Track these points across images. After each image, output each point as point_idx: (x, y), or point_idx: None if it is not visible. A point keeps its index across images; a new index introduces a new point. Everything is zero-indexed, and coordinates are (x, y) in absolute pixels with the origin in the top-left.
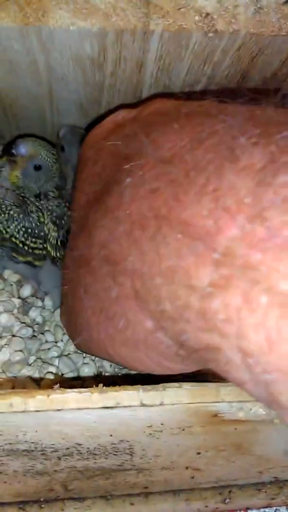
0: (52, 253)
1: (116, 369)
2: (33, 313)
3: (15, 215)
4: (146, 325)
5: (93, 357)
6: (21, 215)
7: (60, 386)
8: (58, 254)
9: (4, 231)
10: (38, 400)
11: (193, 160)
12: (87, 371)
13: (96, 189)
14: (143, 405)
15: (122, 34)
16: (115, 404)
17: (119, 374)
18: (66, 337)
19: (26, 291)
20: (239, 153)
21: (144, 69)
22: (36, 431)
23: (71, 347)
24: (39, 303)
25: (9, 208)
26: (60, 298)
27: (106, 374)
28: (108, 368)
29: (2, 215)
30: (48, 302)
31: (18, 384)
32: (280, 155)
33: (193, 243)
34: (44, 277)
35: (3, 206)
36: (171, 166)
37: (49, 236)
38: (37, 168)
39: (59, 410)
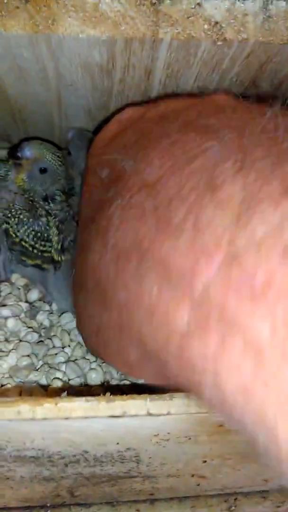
0: (55, 257)
1: (123, 376)
2: (41, 317)
3: (25, 219)
4: (134, 354)
5: (100, 363)
6: (30, 219)
7: (67, 394)
8: (59, 259)
9: (14, 235)
10: (46, 408)
11: (176, 185)
12: (94, 377)
13: (94, 205)
14: (150, 414)
15: (131, 42)
16: (122, 413)
17: (126, 383)
18: (73, 343)
19: (34, 295)
20: (220, 182)
21: (153, 76)
22: (43, 439)
23: (78, 352)
24: (47, 307)
25: (19, 212)
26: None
27: (113, 380)
28: (115, 375)
29: (12, 219)
30: (55, 306)
31: (25, 391)
32: (260, 187)
33: (172, 283)
34: (52, 280)
35: (13, 210)
36: (156, 190)
37: (52, 240)
38: (43, 171)
39: (66, 418)
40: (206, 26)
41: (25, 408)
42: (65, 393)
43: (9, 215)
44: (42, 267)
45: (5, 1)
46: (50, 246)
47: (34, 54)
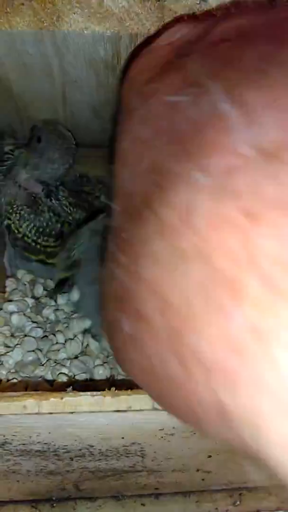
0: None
1: None
2: (47, 311)
3: (26, 215)
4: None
5: (105, 359)
6: (31, 215)
7: (73, 389)
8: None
9: (16, 231)
10: (52, 402)
11: None
12: (100, 373)
13: (145, 179)
14: (155, 409)
15: (136, 38)
16: (127, 408)
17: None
18: (77, 338)
19: (40, 290)
20: None
21: None
22: (49, 433)
23: (78, 349)
24: (52, 303)
25: (20, 208)
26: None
27: (119, 376)
28: (120, 371)
29: (14, 214)
30: (61, 301)
31: (31, 386)
32: None
33: None
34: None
35: (14, 206)
36: (278, 169)
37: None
38: (38, 139)
39: (72, 412)
40: None
41: (31, 402)
42: (71, 387)
43: (11, 210)
44: (46, 262)
45: None
46: (53, 241)
47: (39, 51)
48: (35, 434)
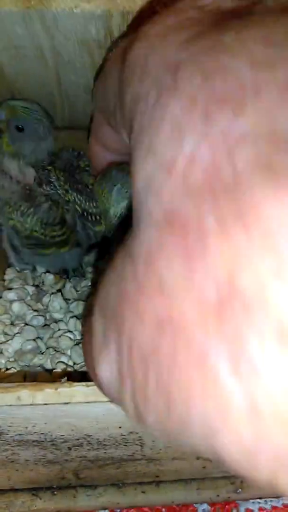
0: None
1: None
2: (47, 299)
3: (26, 209)
4: None
5: None
6: (31, 209)
7: (71, 378)
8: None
9: (23, 229)
10: (46, 393)
11: None
12: None
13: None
14: None
15: (128, 16)
16: None
17: None
18: (79, 326)
19: (40, 278)
20: None
21: None
22: (45, 423)
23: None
24: (53, 290)
25: (18, 204)
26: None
27: None
28: None
29: (14, 212)
30: (64, 289)
31: (29, 375)
32: None
33: None
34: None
35: (11, 204)
36: None
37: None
38: (20, 129)
39: (66, 403)
40: None
41: (25, 393)
42: (65, 378)
43: (10, 210)
44: (60, 253)
45: None
46: (59, 229)
47: (28, 31)
48: (31, 424)
